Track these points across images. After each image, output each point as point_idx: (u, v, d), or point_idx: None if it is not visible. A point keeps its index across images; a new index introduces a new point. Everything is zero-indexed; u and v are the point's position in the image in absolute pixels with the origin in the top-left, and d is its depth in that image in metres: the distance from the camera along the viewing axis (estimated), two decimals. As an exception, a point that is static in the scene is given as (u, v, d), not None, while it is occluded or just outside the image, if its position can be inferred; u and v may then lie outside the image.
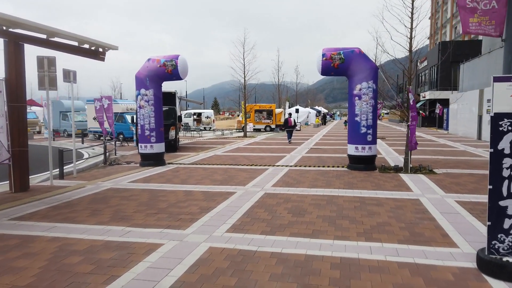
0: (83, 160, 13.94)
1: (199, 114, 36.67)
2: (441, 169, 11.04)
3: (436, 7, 61.75)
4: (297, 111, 41.05)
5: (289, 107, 49.22)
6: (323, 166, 11.87)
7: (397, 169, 10.86)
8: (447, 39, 53.61)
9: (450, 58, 32.29)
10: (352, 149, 11.17)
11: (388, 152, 15.73)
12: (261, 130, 34.36)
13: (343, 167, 11.71)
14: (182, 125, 33.50)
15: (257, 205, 6.92)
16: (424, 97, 40.31)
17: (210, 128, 35.09)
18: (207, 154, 15.52)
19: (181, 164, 12.77)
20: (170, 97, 16.73)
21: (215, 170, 11.31)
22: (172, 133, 16.16)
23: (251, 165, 12.19)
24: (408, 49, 10.98)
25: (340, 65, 10.89)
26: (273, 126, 33.71)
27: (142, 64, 12.26)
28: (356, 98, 10.87)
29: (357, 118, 10.90)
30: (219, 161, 13.24)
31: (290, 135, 21.34)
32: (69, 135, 26.01)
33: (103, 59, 7.93)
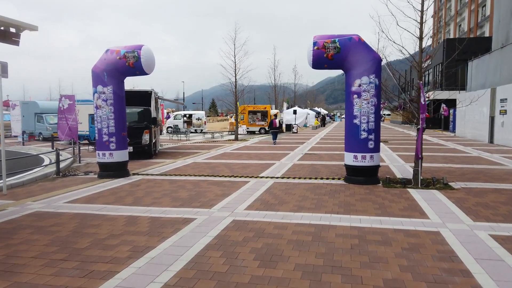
0: (40, 168, 12.01)
1: (190, 116, 34.65)
2: (458, 183, 9.06)
3: (439, 4, 59.77)
4: (294, 112, 39.01)
5: (287, 109, 47.22)
6: (316, 178, 9.88)
7: (405, 183, 8.87)
8: (451, 37, 51.59)
9: (456, 56, 30.30)
10: (349, 158, 9.18)
11: (392, 159, 13.74)
12: (256, 132, 32.38)
13: (339, 179, 9.74)
14: (172, 127, 31.55)
15: (214, 244, 4.94)
16: (428, 97, 38.28)
17: (202, 130, 33.10)
18: (186, 162, 13.55)
19: (148, 174, 10.79)
20: (144, 97, 14.76)
21: (184, 183, 9.34)
22: (146, 137, 14.19)
23: (230, 176, 10.22)
24: (418, 36, 9.02)
25: (336, 56, 8.91)
26: (268, 128, 31.68)
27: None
28: (355, 96, 8.89)
29: (356, 121, 8.92)
30: (195, 171, 11.27)
31: (275, 136, 21.31)
32: (45, 139, 24.01)
33: (17, 43, 5.99)
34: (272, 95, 50.74)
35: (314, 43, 8.96)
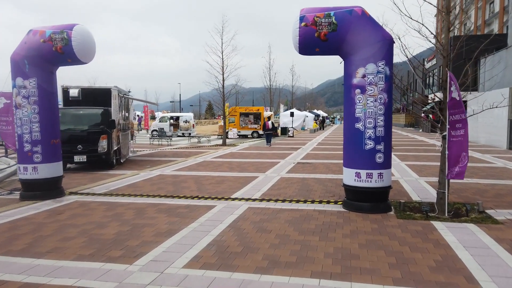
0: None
1: (177, 118, 32.08)
2: (499, 210, 6.61)
3: (442, 2, 57.47)
4: (292, 114, 36.59)
5: (284, 111, 44.79)
6: (305, 202, 7.40)
7: (427, 212, 6.40)
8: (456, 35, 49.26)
9: (463, 55, 27.86)
10: (350, 177, 6.68)
11: (402, 172, 11.24)
12: (248, 136, 29.87)
13: (336, 202, 7.27)
14: (157, 131, 29.04)
15: None
16: (434, 99, 35.87)
17: (190, 134, 30.58)
18: (151, 174, 11.09)
19: (88, 194, 8.32)
20: (103, 95, 12.27)
21: (124, 210, 6.86)
22: (103, 143, 11.69)
23: (194, 198, 7.76)
24: (445, 9, 6.57)
25: (330, 35, 6.44)
26: (261, 132, 29.16)
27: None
28: (357, 90, 6.43)
29: (359, 125, 6.45)
30: (153, 188, 8.81)
31: (269, 138, 21.37)
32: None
33: None
34: (268, 97, 48.25)
35: (301, 18, 6.50)
